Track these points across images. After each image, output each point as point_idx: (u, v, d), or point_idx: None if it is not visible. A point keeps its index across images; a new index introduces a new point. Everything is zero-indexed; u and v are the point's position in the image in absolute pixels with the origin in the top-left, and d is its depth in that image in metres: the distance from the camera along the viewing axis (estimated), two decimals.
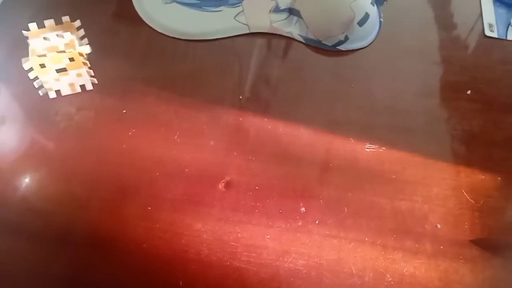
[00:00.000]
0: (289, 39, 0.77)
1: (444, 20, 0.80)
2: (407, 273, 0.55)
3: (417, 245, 0.57)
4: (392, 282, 0.55)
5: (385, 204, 0.60)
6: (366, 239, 0.57)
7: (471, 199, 0.61)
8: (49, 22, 0.67)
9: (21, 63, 0.63)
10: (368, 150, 0.65)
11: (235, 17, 0.78)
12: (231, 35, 0.77)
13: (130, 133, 0.65)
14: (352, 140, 0.66)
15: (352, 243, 0.57)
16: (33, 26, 0.66)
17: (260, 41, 0.77)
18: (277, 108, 0.69)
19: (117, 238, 0.57)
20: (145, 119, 0.67)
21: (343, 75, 0.73)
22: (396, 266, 0.56)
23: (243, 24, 0.77)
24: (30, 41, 0.64)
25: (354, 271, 0.55)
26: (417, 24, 0.80)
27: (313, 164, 0.64)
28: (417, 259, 0.56)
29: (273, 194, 0.61)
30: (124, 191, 0.61)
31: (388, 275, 0.55)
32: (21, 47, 0.66)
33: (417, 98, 0.71)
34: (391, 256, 0.56)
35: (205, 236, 0.58)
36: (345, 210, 0.60)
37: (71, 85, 0.67)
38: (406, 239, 0.58)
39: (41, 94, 0.67)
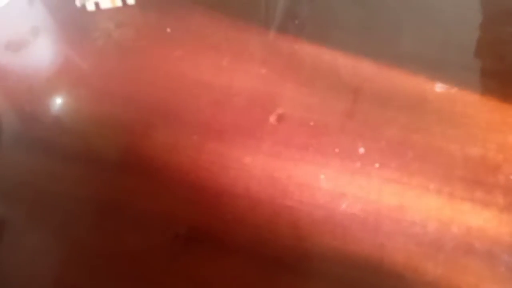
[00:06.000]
0: None
1: None
2: (475, 226, 0.50)
3: (488, 197, 0.52)
4: (458, 235, 0.50)
5: (454, 150, 0.54)
6: (432, 186, 0.52)
7: None
8: None
9: None
10: (438, 90, 0.58)
11: None
12: None
13: (175, 55, 0.59)
14: (421, 77, 0.59)
15: (415, 190, 0.52)
16: None
17: None
18: (336, 36, 0.62)
19: (161, 166, 0.53)
20: (192, 40, 0.60)
21: (412, 3, 0.65)
22: (464, 217, 0.50)
23: None
24: None
25: (416, 220, 0.50)
26: None
27: (374, 101, 0.57)
28: (487, 211, 0.51)
29: (329, 131, 0.55)
30: (169, 117, 0.56)
31: (454, 226, 0.50)
32: None
33: (496, 34, 0.62)
34: (458, 207, 0.51)
35: (254, 171, 0.53)
36: (409, 154, 0.54)
37: None
38: (476, 190, 0.52)
39: (78, 5, 0.61)
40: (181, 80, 0.58)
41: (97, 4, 0.61)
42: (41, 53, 0.60)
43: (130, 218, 0.52)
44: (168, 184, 0.52)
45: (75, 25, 0.62)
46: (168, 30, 0.61)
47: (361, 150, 0.54)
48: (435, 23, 0.63)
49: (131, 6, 0.62)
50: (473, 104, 0.57)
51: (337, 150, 0.54)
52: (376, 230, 0.50)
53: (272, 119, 0.56)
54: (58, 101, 0.57)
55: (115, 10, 0.62)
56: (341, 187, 0.52)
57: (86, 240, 0.52)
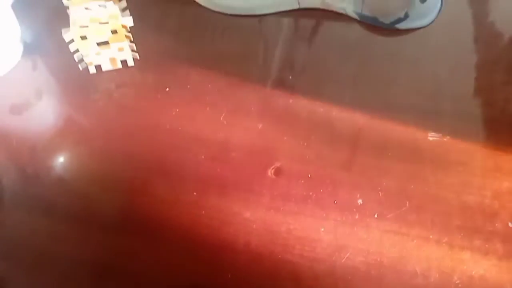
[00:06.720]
0: (339, 16, 0.71)
1: None
2: (476, 275, 0.50)
3: (487, 245, 0.52)
4: (460, 285, 0.50)
5: (451, 199, 0.55)
6: (431, 236, 0.52)
7: None
8: None
9: (60, 34, 0.59)
10: (431, 138, 0.59)
11: None
12: (278, 10, 0.72)
13: (173, 113, 0.61)
14: (413, 127, 0.60)
15: (415, 241, 0.52)
16: None
17: (308, 20, 0.71)
18: (330, 90, 0.64)
19: (162, 225, 0.53)
20: (189, 98, 0.63)
21: (402, 56, 0.68)
22: (464, 267, 0.51)
23: None
24: (70, 11, 0.60)
25: (418, 271, 0.50)
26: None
27: (369, 152, 0.59)
28: (487, 260, 0.51)
29: (327, 184, 0.56)
30: (168, 174, 0.57)
31: (455, 276, 0.50)
32: (61, 17, 0.63)
33: (485, 82, 0.65)
34: (458, 256, 0.51)
35: (254, 226, 0.53)
36: (407, 204, 0.54)
37: (112, 60, 0.63)
38: (475, 238, 0.52)
39: (80, 68, 0.64)
40: (180, 137, 0.59)
41: (98, 67, 0.63)
42: (44, 115, 0.62)
43: (130, 280, 0.51)
44: (169, 243, 0.52)
45: (77, 87, 0.64)
46: (167, 89, 0.63)
47: (360, 201, 0.55)
48: (425, 74, 0.66)
49: (131, 67, 0.65)
50: (467, 152, 0.58)
51: (335, 202, 0.55)
52: (378, 283, 0.50)
53: (270, 173, 0.57)
54: (59, 161, 0.59)
55: (116, 72, 0.65)
56: (341, 239, 0.53)
57: None
